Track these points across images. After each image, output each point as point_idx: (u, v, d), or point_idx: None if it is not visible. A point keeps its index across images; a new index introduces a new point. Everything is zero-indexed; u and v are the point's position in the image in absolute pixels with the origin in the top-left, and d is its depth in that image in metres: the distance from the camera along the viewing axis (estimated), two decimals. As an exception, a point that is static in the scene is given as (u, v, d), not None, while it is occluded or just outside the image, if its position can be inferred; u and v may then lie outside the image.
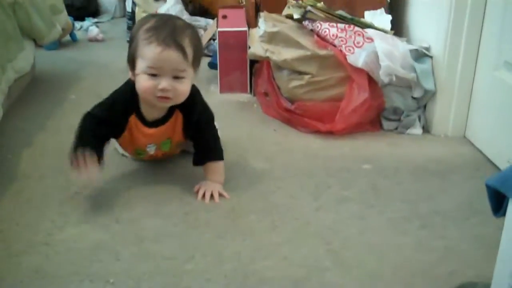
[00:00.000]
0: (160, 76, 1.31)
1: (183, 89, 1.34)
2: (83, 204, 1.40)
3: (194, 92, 1.43)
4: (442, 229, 1.33)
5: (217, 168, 1.48)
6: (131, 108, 1.41)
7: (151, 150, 1.49)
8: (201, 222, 1.33)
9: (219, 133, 1.54)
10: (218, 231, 1.29)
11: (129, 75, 1.38)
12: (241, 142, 1.79)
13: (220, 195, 1.44)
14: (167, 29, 1.30)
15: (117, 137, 1.46)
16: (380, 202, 1.44)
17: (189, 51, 1.32)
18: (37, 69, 2.36)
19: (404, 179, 1.58)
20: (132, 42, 1.35)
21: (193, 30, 1.38)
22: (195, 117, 1.44)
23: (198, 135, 1.47)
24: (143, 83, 1.32)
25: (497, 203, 0.83)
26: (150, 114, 1.42)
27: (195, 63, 1.36)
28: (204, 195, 1.43)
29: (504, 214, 0.82)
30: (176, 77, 1.32)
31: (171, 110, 1.43)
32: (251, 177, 1.57)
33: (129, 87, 1.39)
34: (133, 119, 1.41)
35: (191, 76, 1.36)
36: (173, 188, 1.48)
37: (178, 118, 1.44)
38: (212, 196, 1.43)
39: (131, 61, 1.35)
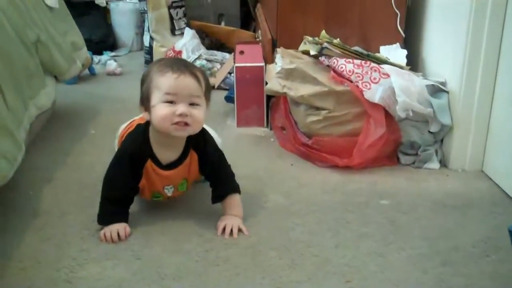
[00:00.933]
0: (176, 103, 1.33)
1: (199, 116, 1.36)
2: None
3: (204, 132, 1.47)
4: (463, 266, 1.32)
5: (235, 201, 1.50)
6: (146, 154, 1.43)
7: (169, 192, 1.50)
8: (221, 260, 1.33)
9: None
10: (238, 269, 1.29)
11: (144, 116, 1.41)
12: (259, 177, 1.80)
13: (240, 230, 1.45)
14: (179, 62, 1.39)
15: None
16: (399, 238, 1.44)
17: (202, 80, 1.37)
18: (57, 104, 2.39)
19: (423, 214, 1.58)
20: (145, 81, 1.39)
21: (201, 69, 1.46)
22: (209, 155, 1.47)
23: (214, 172, 1.50)
24: (160, 111, 1.34)
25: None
26: (165, 156, 1.44)
27: (207, 95, 1.40)
28: (224, 231, 1.44)
29: (527, 257, 0.83)
30: (191, 104, 1.35)
31: (186, 151, 1.45)
32: (270, 212, 1.58)
33: (140, 134, 1.43)
34: (149, 164, 1.43)
35: (204, 106, 1.39)
36: (192, 224, 1.50)
37: (193, 158, 1.46)
38: (231, 231, 1.44)
39: (146, 99, 1.38)
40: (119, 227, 1.42)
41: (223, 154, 1.52)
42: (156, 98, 1.34)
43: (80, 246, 1.39)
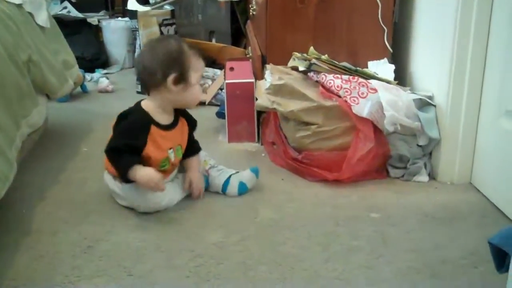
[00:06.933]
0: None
1: None
2: (95, 258, 1.42)
3: None
4: (452, 279, 1.34)
5: (199, 159, 1.80)
6: (149, 121, 1.62)
7: (171, 156, 1.67)
8: (212, 275, 1.34)
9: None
10: (229, 284, 1.31)
11: (173, 89, 1.60)
12: (250, 191, 1.81)
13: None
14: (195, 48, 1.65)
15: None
16: (389, 251, 1.46)
17: None
18: (49, 121, 2.40)
19: (412, 227, 1.59)
20: (179, 59, 1.59)
21: None
22: (192, 120, 1.77)
23: (191, 136, 1.77)
24: (197, 92, 1.66)
25: (500, 259, 0.85)
26: (164, 120, 1.65)
27: None
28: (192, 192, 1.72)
29: (507, 270, 0.85)
30: None
31: (176, 116, 1.70)
32: (260, 227, 1.59)
33: (139, 107, 1.64)
34: (153, 129, 1.62)
35: None
36: (183, 240, 1.51)
37: (184, 124, 1.72)
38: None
39: (182, 76, 1.59)
40: (150, 171, 1.57)
41: None
42: (194, 79, 1.61)
43: (72, 263, 1.40)
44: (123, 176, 1.61)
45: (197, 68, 1.62)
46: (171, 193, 1.69)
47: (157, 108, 1.64)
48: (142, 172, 1.56)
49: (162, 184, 1.58)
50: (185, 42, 1.64)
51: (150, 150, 1.61)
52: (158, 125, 1.63)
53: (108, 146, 1.63)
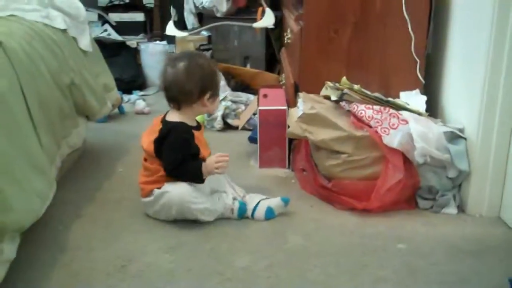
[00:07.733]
0: None
1: None
2: (128, 277, 1.47)
3: None
4: (477, 313, 1.35)
5: None
6: (189, 128, 1.80)
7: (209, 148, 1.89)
8: (240, 299, 1.38)
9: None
10: (256, 309, 1.34)
11: (207, 105, 1.82)
12: (279, 217, 1.84)
13: None
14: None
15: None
16: (416, 283, 1.47)
17: None
18: (87, 142, 2.47)
19: (439, 259, 1.60)
20: (214, 78, 1.82)
21: None
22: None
23: None
24: (218, 103, 1.96)
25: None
26: (193, 123, 1.84)
27: None
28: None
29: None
30: None
31: (196, 121, 1.88)
32: (289, 253, 1.62)
33: (173, 123, 1.79)
34: (195, 133, 1.81)
35: None
36: (213, 263, 1.55)
37: (201, 127, 1.90)
38: None
39: (215, 91, 1.82)
40: (211, 158, 1.77)
41: None
42: (217, 94, 1.84)
43: (106, 282, 1.45)
44: (199, 178, 1.76)
45: (218, 88, 1.86)
46: (205, 199, 1.78)
47: (186, 119, 1.81)
48: (208, 164, 1.76)
49: (223, 156, 1.78)
50: (210, 60, 1.92)
51: (201, 150, 1.80)
52: (193, 128, 1.83)
53: (169, 167, 1.75)
